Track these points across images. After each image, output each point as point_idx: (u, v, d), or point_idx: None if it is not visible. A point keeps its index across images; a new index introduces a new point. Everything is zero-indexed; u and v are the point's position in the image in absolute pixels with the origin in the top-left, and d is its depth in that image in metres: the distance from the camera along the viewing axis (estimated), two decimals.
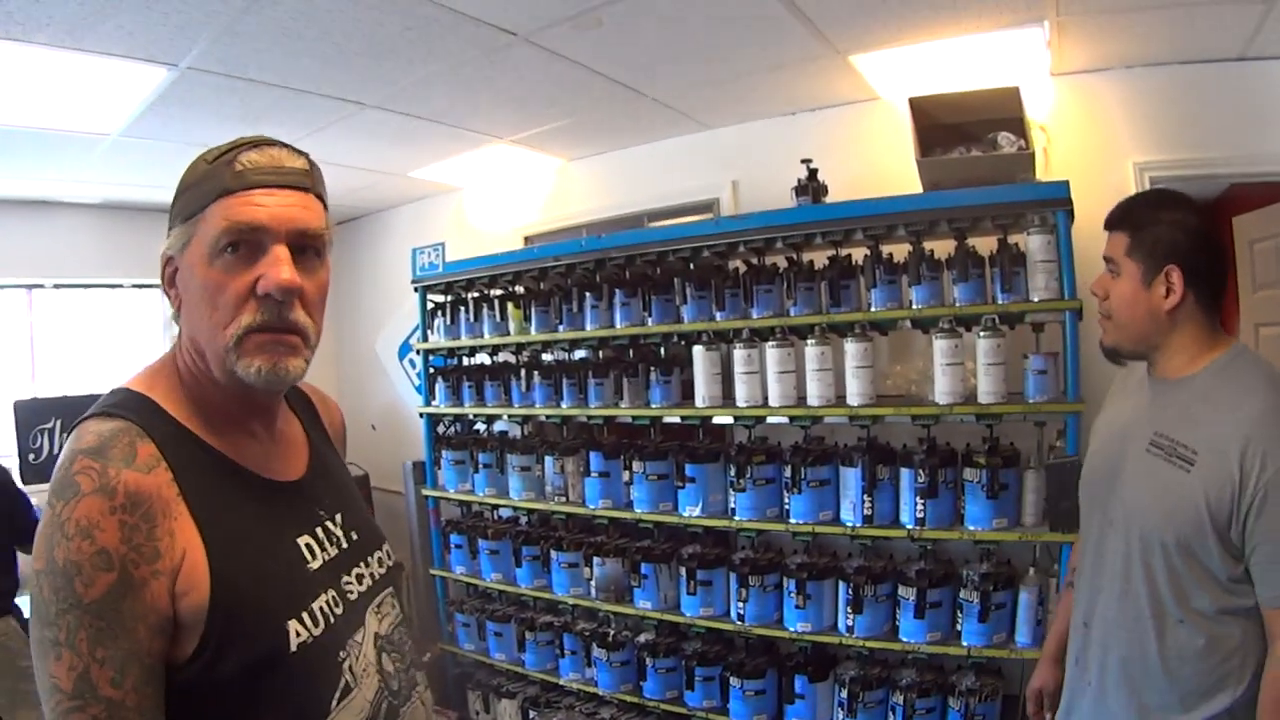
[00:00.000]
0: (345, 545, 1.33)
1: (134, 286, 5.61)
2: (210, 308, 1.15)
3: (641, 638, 3.99)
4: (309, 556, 1.25)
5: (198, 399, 1.22)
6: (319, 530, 1.29)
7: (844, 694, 3.45)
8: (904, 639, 3.33)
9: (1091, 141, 3.68)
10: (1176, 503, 1.80)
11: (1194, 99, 3.55)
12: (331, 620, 1.22)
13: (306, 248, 1.20)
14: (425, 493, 4.86)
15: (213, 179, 1.15)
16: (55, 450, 4.73)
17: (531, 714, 4.31)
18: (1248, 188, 4.49)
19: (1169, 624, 1.84)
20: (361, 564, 1.35)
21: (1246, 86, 3.47)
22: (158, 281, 1.24)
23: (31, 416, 4.86)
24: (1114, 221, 1.93)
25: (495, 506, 4.62)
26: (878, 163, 3.92)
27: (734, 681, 3.64)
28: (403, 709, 1.31)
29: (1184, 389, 1.90)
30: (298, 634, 1.16)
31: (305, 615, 1.18)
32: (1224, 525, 1.75)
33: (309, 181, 1.21)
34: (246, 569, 1.14)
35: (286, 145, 1.21)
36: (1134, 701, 1.91)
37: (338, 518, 1.34)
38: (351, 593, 1.29)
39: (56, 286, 5.45)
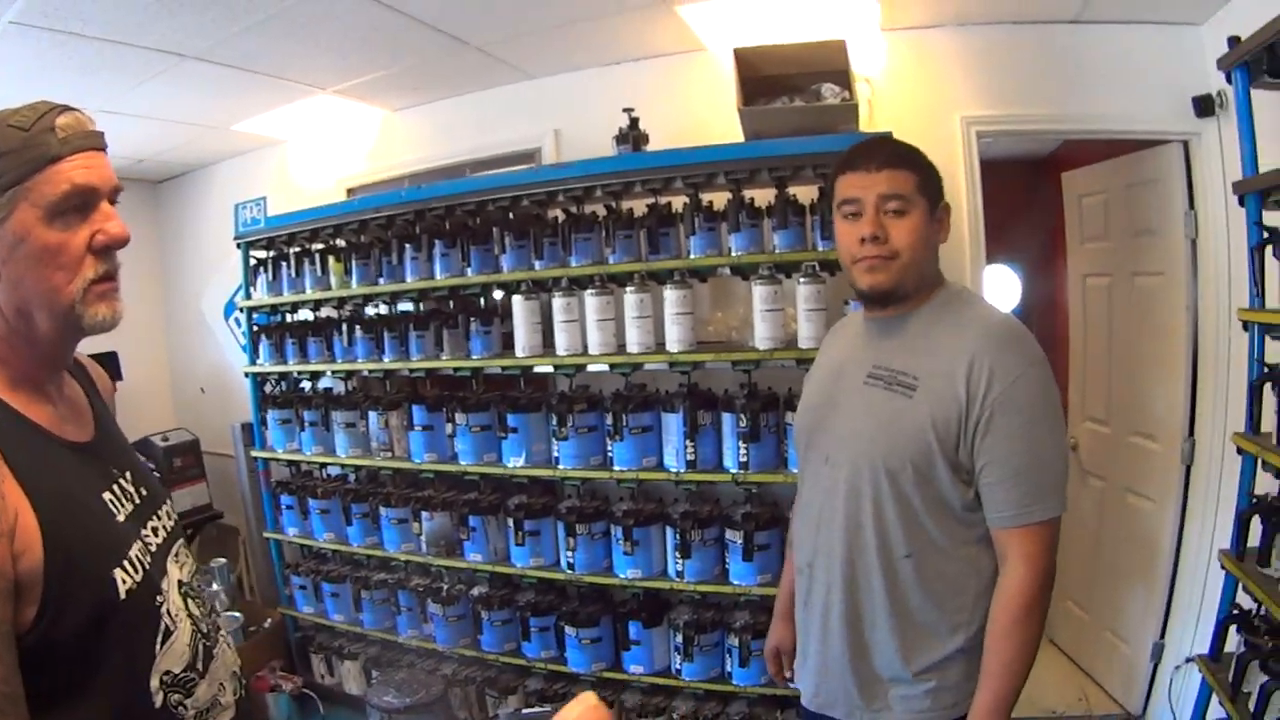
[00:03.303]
0: (138, 500, 1.36)
1: None
2: (52, 268, 1.20)
3: (475, 591, 3.98)
4: (115, 510, 1.29)
5: (2, 364, 1.24)
6: (115, 487, 1.32)
7: (679, 638, 3.50)
8: (735, 582, 3.39)
9: (919, 95, 3.75)
10: (901, 429, 1.80)
11: (1027, 58, 3.66)
12: (146, 567, 1.27)
13: (113, 200, 1.27)
14: (254, 454, 4.72)
15: (36, 146, 1.18)
16: None
17: (374, 674, 4.26)
18: (1077, 145, 4.70)
19: (895, 559, 1.84)
20: (154, 517, 1.40)
21: (1079, 49, 3.61)
22: None
23: None
24: (898, 160, 1.85)
25: (323, 465, 4.53)
26: (702, 114, 3.92)
27: (569, 630, 3.67)
28: (215, 650, 1.38)
29: (905, 323, 1.91)
30: (123, 581, 1.20)
31: (126, 563, 1.22)
32: (952, 448, 1.77)
33: (105, 141, 1.28)
34: (71, 524, 1.16)
35: (75, 109, 1.26)
36: (862, 640, 1.91)
37: (128, 474, 1.38)
38: (151, 544, 1.33)
39: None
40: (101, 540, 1.22)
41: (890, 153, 1.88)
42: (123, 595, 1.19)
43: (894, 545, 1.83)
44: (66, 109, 1.22)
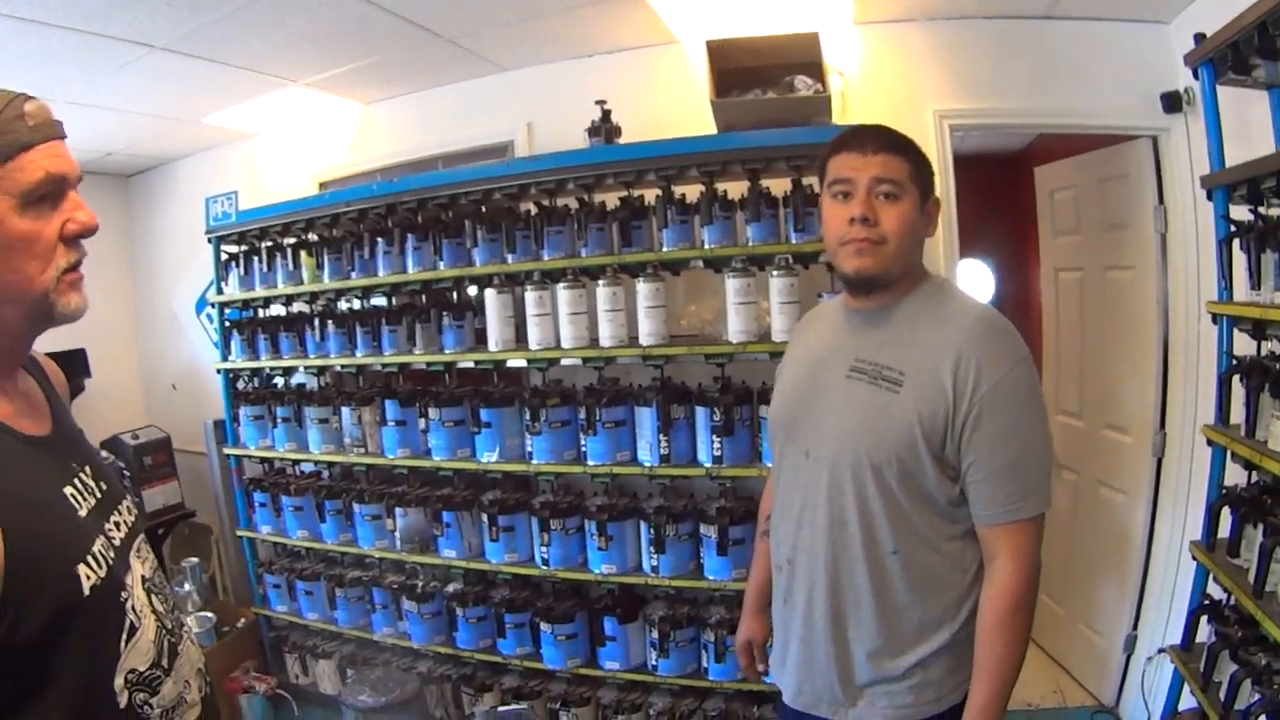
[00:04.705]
0: (99, 495, 1.33)
1: None
2: (26, 257, 1.18)
3: (450, 588, 3.96)
4: (77, 505, 1.26)
5: None
6: (76, 481, 1.29)
7: (654, 634, 3.49)
8: (709, 577, 3.39)
9: (892, 88, 3.76)
10: (888, 425, 1.76)
11: (999, 53, 3.68)
12: (110, 563, 1.24)
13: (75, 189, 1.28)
14: (227, 451, 4.69)
15: (7, 134, 1.16)
16: None
17: (349, 673, 4.24)
18: (1052, 140, 4.74)
19: (881, 555, 1.81)
20: (115, 512, 1.36)
21: (1051, 43, 3.64)
22: None
23: None
24: (894, 147, 1.81)
25: (296, 461, 4.50)
26: (674, 106, 3.91)
27: (544, 627, 3.66)
28: (179, 646, 1.36)
29: (888, 316, 1.87)
30: (88, 577, 1.17)
31: (90, 559, 1.20)
32: (938, 444, 1.74)
33: (64, 130, 1.26)
34: (33, 521, 1.14)
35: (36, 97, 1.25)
36: (846, 638, 1.87)
37: (87, 469, 1.35)
38: (115, 539, 1.31)
39: None
40: (64, 536, 1.19)
41: (886, 139, 1.83)
42: (87, 591, 1.16)
43: (880, 541, 1.80)
44: (30, 97, 1.21)
